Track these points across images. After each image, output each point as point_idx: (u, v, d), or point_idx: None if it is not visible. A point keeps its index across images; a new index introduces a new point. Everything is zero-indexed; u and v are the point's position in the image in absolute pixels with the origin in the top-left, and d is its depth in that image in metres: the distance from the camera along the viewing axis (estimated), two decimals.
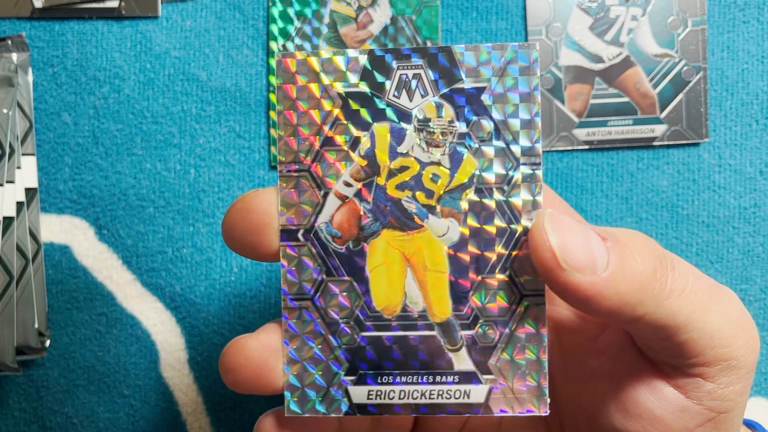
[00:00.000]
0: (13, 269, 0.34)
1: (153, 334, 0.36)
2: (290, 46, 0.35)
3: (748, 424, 0.26)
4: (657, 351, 0.22)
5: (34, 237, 0.35)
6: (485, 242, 0.22)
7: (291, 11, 0.35)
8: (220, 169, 0.36)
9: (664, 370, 0.22)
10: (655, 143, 0.35)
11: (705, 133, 0.35)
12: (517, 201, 0.22)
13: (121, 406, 0.36)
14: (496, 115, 0.22)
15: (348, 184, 0.22)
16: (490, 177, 0.22)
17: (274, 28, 0.35)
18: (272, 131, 0.35)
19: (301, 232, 0.22)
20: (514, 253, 0.22)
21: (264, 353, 0.22)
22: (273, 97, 0.35)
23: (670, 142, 0.35)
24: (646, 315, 0.20)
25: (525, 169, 0.22)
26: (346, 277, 0.22)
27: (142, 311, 0.36)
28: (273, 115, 0.35)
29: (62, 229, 0.36)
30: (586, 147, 0.35)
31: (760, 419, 0.32)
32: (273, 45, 0.35)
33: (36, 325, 0.35)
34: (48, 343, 0.36)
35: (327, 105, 0.22)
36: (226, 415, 0.36)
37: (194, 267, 0.36)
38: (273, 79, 0.35)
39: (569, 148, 0.35)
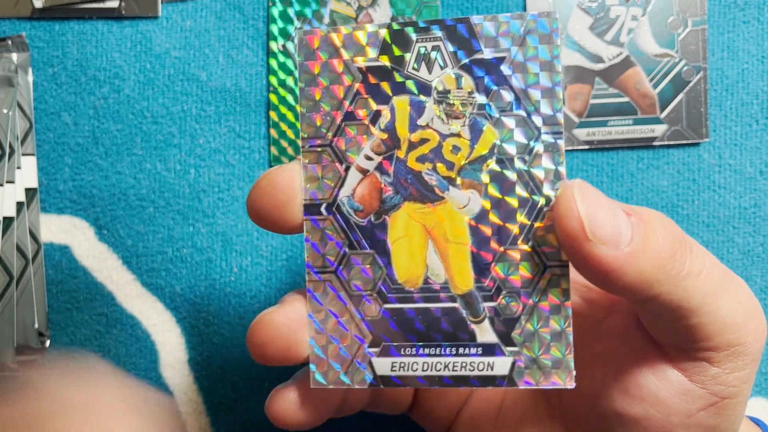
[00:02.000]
0: (13, 269, 0.34)
1: (153, 334, 0.36)
2: (290, 46, 0.35)
3: (752, 420, 0.26)
4: (665, 333, 0.22)
5: (34, 237, 0.35)
6: (507, 213, 0.22)
7: (291, 11, 0.35)
8: (220, 169, 0.36)
9: (669, 352, 0.22)
10: (655, 143, 0.35)
11: (705, 133, 0.35)
12: (539, 171, 0.21)
13: None
14: (516, 84, 0.21)
15: (369, 158, 0.22)
16: (510, 147, 0.22)
17: (274, 28, 0.35)
18: (272, 131, 0.35)
19: (324, 206, 0.23)
20: (536, 224, 0.21)
21: (292, 326, 0.23)
22: (273, 98, 0.35)
23: (670, 142, 0.35)
24: (661, 294, 0.20)
25: (546, 139, 0.21)
26: (369, 250, 0.22)
27: (142, 311, 0.36)
28: (273, 115, 0.35)
29: (62, 229, 0.36)
30: (586, 147, 0.35)
31: (761, 419, 0.32)
32: (273, 45, 0.35)
33: (36, 325, 0.35)
34: (48, 343, 0.36)
35: (348, 80, 0.22)
36: (226, 415, 0.36)
37: (194, 267, 0.36)
38: (273, 79, 0.35)
39: (569, 148, 0.35)
